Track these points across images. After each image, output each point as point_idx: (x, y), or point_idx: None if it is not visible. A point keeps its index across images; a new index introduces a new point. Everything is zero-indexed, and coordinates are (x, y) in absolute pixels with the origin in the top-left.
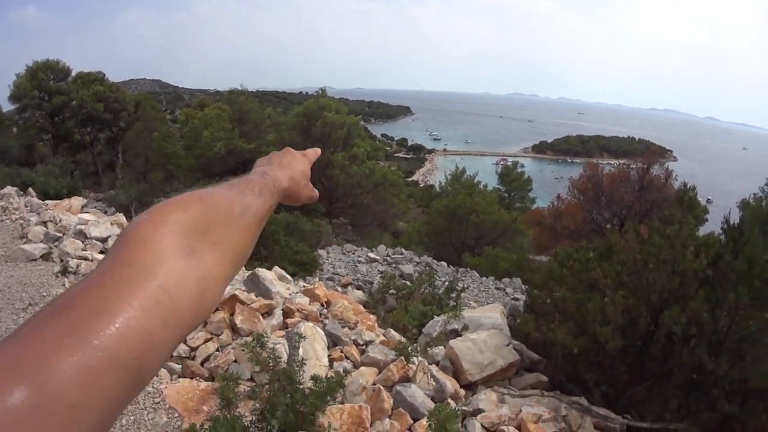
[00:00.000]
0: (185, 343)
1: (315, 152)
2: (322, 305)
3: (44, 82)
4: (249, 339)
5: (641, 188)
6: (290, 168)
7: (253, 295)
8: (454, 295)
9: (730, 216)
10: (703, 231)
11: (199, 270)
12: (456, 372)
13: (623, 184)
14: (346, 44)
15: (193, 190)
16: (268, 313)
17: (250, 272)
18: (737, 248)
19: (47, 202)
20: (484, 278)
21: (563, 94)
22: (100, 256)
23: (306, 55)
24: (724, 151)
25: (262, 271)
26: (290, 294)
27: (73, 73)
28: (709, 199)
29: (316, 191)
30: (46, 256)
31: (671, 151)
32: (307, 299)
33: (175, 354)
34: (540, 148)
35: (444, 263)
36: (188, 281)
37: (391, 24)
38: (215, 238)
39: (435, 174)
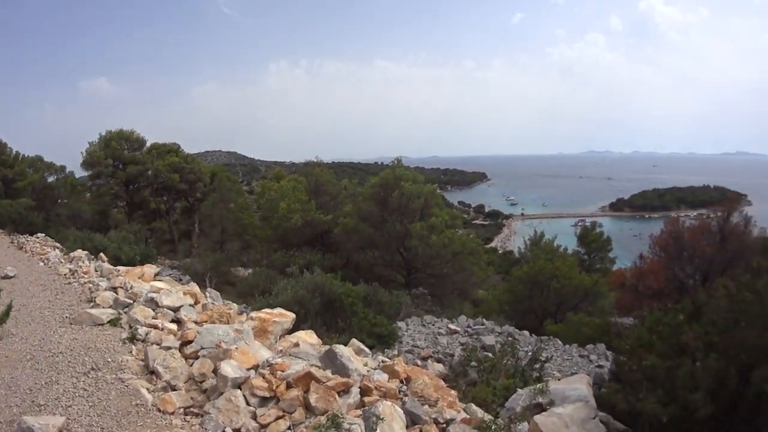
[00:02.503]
0: (255, 419)
1: None
2: (401, 382)
3: (118, 151)
4: (323, 419)
5: (722, 239)
6: None
7: (329, 372)
8: (537, 365)
9: None
10: None
11: None
12: None
13: (704, 237)
14: (417, 113)
15: None
16: (344, 391)
17: (326, 348)
18: None
19: (119, 268)
20: (567, 346)
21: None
22: (171, 326)
23: (378, 125)
24: None
25: (340, 348)
26: (368, 371)
27: (148, 144)
28: None
29: None
30: (114, 322)
31: (746, 195)
32: (385, 376)
33: (243, 430)
34: (617, 206)
35: (526, 332)
36: None
37: (459, 89)
38: None
39: (513, 239)
